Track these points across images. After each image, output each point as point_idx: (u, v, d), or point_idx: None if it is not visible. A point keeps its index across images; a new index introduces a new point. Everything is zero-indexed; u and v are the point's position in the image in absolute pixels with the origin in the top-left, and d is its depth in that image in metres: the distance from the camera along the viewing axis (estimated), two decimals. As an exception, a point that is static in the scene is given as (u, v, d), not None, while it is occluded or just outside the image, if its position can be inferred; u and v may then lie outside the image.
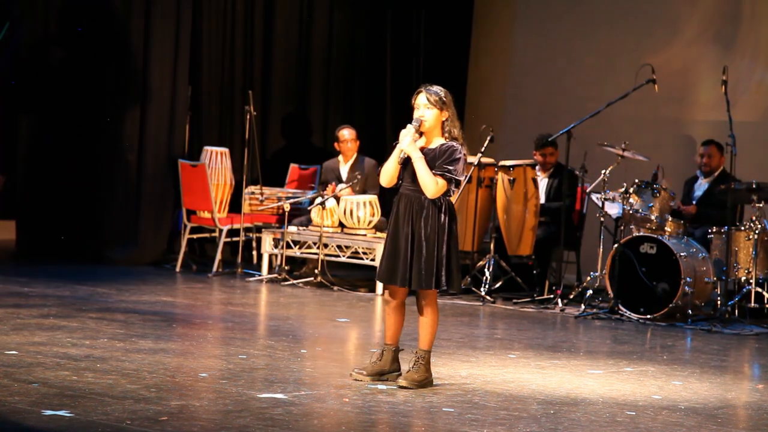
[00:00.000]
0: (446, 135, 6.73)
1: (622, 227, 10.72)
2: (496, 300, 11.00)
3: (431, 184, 6.63)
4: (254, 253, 12.36)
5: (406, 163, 6.72)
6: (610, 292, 10.45)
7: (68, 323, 8.26)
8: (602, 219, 10.73)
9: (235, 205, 12.33)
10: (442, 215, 6.70)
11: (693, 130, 12.73)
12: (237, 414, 5.80)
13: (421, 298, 6.76)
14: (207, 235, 12.36)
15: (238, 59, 13.18)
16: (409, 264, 6.68)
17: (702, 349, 9.03)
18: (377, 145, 13.24)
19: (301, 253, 11.66)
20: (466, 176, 10.88)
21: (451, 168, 6.64)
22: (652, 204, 10.56)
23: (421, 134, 6.73)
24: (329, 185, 11.64)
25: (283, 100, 13.49)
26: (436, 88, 6.74)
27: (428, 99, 6.70)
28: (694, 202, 11.48)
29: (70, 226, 12.10)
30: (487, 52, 14.37)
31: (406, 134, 6.69)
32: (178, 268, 12.05)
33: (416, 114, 6.72)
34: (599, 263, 10.77)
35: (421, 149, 6.69)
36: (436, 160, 6.67)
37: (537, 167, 11.52)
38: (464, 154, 6.70)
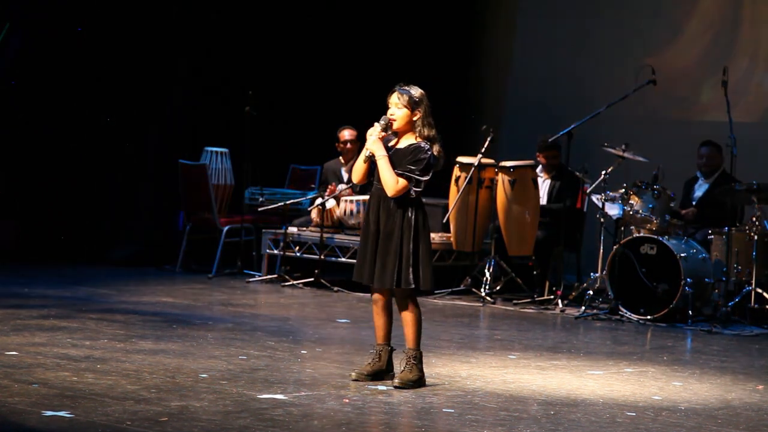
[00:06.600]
0: (418, 135, 6.75)
1: (622, 228, 10.71)
2: (497, 301, 10.99)
3: (391, 183, 6.66)
4: (254, 253, 12.35)
5: (375, 162, 6.74)
6: (610, 292, 10.45)
7: (68, 324, 8.27)
8: (602, 220, 10.73)
9: (235, 206, 12.32)
10: (409, 213, 6.70)
11: (693, 130, 12.69)
12: (237, 415, 5.80)
13: (398, 296, 6.77)
14: (207, 235, 12.35)
15: (238, 59, 13.16)
16: (373, 262, 6.70)
17: (702, 350, 9.03)
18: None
19: (301, 254, 11.65)
20: (467, 177, 10.88)
21: (413, 168, 6.66)
22: (652, 205, 10.56)
23: (395, 133, 6.77)
24: (329, 186, 11.63)
25: (283, 100, 13.47)
26: (410, 88, 6.76)
27: (399, 99, 6.73)
28: (694, 203, 11.47)
29: (70, 226, 12.09)
30: (488, 51, 14.36)
31: (372, 132, 6.72)
32: (178, 269, 12.06)
33: (388, 113, 6.75)
34: (599, 264, 10.76)
35: (392, 148, 6.74)
36: (402, 159, 6.69)
37: (539, 168, 11.51)
38: (432, 154, 6.69)
